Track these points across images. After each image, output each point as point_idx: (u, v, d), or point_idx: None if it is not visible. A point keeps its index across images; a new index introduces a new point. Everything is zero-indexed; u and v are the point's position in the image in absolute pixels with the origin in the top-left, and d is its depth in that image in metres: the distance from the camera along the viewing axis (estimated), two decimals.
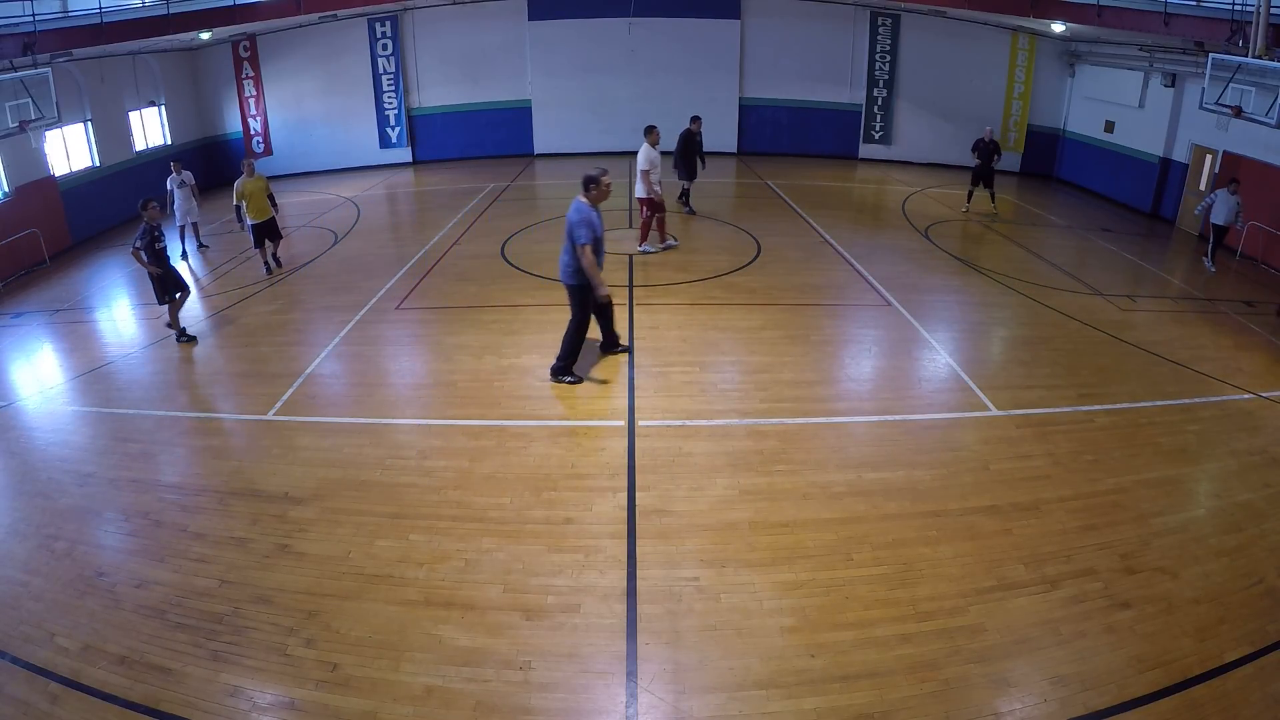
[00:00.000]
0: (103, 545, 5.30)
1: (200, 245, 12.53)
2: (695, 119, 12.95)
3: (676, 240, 11.70)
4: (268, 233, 10.94)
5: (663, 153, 11.15)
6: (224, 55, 17.44)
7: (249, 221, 10.79)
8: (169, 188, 11.90)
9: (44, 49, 11.47)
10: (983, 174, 13.98)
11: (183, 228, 12.00)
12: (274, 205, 10.97)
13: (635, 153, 10.94)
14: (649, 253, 11.24)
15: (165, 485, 5.98)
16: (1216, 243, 11.75)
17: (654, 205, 10.98)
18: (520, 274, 10.67)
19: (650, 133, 10.75)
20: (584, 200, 6.96)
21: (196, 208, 12.13)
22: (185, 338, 8.73)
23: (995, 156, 14.01)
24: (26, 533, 5.43)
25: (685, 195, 13.67)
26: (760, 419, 6.74)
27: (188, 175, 11.93)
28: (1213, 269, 11.62)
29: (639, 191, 10.87)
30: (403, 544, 5.17)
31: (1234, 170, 12.58)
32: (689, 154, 12.85)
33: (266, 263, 11.04)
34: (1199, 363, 8.07)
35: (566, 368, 7.40)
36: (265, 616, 4.54)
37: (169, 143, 16.76)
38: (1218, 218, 11.48)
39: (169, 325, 8.79)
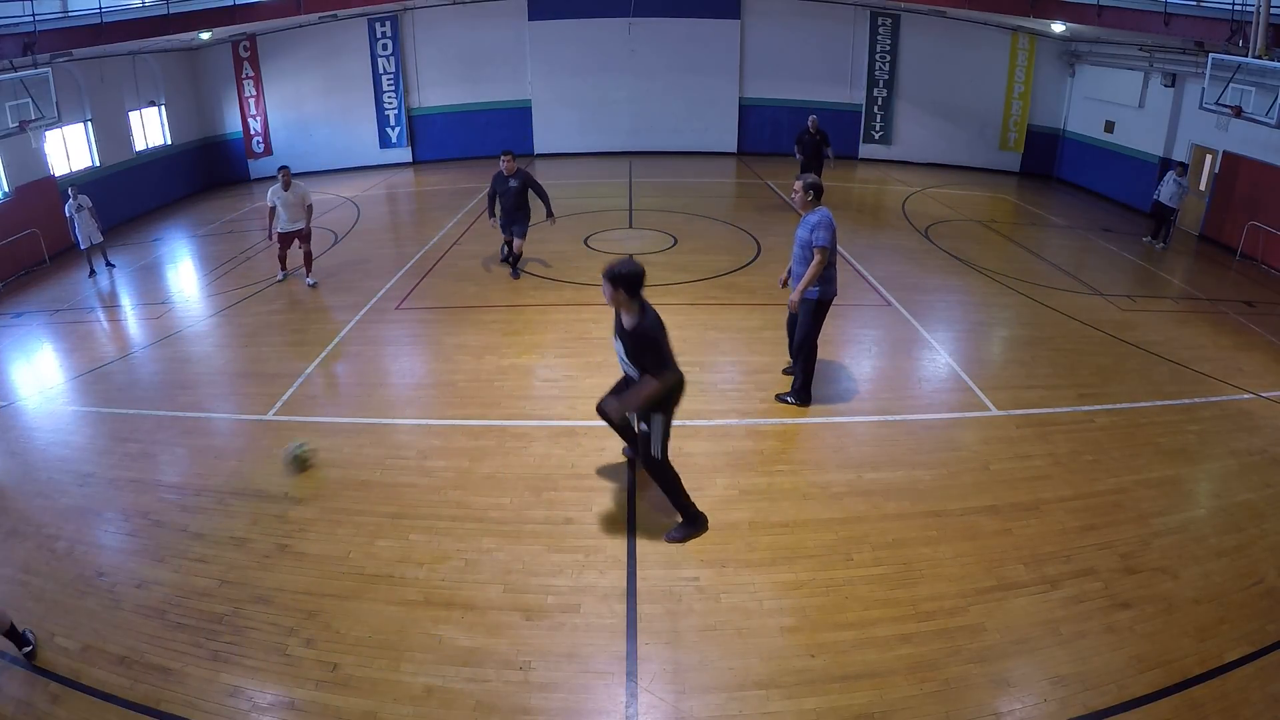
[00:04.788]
0: (103, 545, 5.30)
1: (108, 264, 11.82)
2: (503, 155, 10.03)
3: (285, 273, 10.77)
4: None
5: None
6: (224, 55, 17.42)
7: None
8: (68, 214, 11.27)
9: (44, 49, 11.46)
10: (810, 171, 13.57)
11: (88, 250, 11.43)
12: None
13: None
14: (280, 279, 10.70)
15: (165, 485, 5.98)
16: (1161, 221, 12.65)
17: (280, 238, 10.51)
18: (520, 274, 10.66)
19: (281, 172, 10.21)
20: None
21: (97, 229, 11.46)
22: None
23: (825, 149, 13.10)
24: (26, 533, 5.42)
25: (506, 251, 10.71)
26: (760, 419, 6.74)
27: (84, 199, 11.27)
28: (1159, 247, 12.60)
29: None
30: (403, 544, 5.17)
31: (1234, 170, 12.60)
32: (505, 202, 10.11)
33: None
34: (1199, 363, 8.07)
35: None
36: (265, 616, 4.54)
37: (169, 142, 16.76)
38: (1163, 198, 12.47)
39: None
